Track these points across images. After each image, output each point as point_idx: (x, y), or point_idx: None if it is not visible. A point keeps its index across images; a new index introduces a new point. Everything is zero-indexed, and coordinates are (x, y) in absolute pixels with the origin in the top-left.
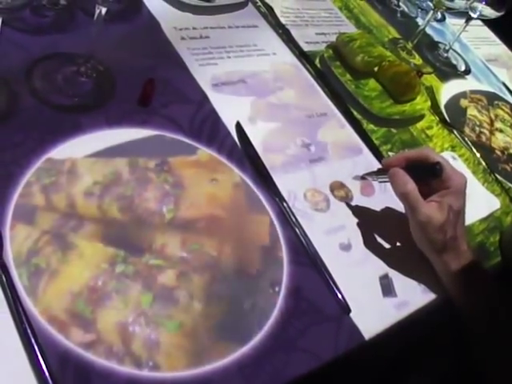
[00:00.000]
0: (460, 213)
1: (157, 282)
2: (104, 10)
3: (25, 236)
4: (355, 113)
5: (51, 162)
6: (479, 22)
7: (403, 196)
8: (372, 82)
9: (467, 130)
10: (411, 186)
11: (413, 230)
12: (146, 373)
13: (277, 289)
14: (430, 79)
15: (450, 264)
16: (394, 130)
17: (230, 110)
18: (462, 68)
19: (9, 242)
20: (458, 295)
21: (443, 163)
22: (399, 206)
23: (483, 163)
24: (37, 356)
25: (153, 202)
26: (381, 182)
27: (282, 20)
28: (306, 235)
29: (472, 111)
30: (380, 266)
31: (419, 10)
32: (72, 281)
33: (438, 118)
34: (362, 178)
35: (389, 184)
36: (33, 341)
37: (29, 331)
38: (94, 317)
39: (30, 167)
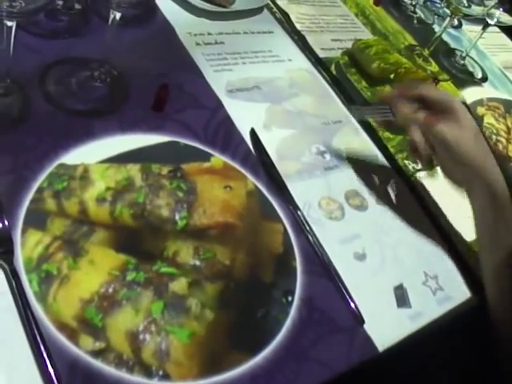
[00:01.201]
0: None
1: (168, 290)
2: (118, 15)
3: (36, 241)
4: (371, 120)
5: (64, 167)
6: (496, 29)
7: (437, 135)
8: (388, 89)
9: None
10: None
11: (445, 160)
12: (155, 382)
13: (290, 298)
14: (447, 86)
15: (492, 185)
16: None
17: (245, 116)
18: (479, 75)
19: (20, 247)
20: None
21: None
22: (415, 215)
23: None
24: (46, 363)
25: (165, 209)
26: (368, 117)
27: (298, 26)
28: (320, 244)
29: (489, 119)
30: (395, 276)
31: (436, 16)
32: (83, 287)
33: None
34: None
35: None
36: (42, 348)
37: (38, 338)
38: (104, 324)
39: (43, 172)
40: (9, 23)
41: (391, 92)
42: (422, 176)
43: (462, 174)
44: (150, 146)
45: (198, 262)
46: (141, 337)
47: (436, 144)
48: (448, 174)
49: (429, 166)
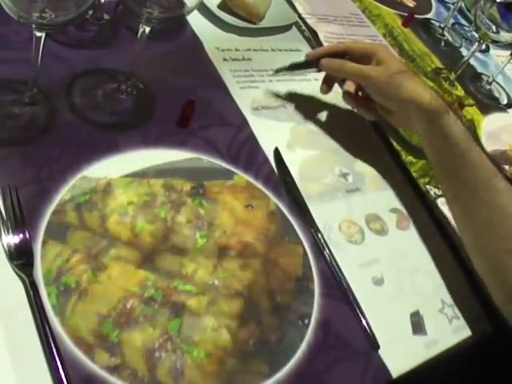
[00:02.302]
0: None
1: (185, 309)
2: (148, 30)
3: (56, 254)
4: (394, 143)
5: (86, 180)
6: None
7: (345, 71)
8: None
9: (507, 165)
10: (347, 63)
11: (374, 91)
12: None
13: (306, 321)
14: (472, 111)
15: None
16: None
17: (269, 135)
18: (505, 101)
19: (39, 259)
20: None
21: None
22: (434, 241)
23: None
24: (61, 377)
25: (186, 226)
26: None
27: (326, 45)
28: (339, 268)
29: None
30: (411, 303)
31: (463, 39)
32: (100, 302)
33: None
34: (276, 72)
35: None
36: (58, 362)
37: (54, 351)
38: (120, 340)
39: (65, 184)
40: (38, 34)
41: (316, 50)
42: (443, 202)
43: (400, 110)
44: (173, 162)
45: (216, 282)
46: (156, 354)
47: (368, 90)
48: (391, 117)
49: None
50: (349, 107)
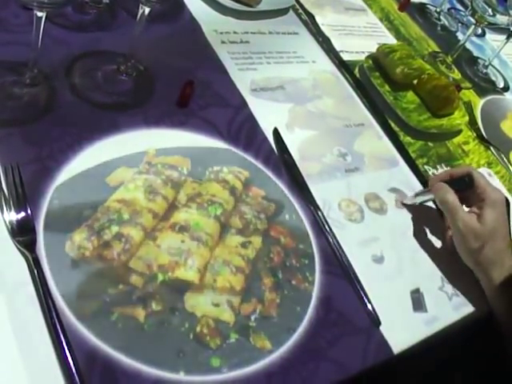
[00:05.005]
0: (499, 226)
1: (188, 285)
2: (147, 11)
3: (58, 231)
4: (393, 124)
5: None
6: None
7: (444, 204)
8: (410, 95)
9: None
10: (451, 195)
11: (455, 241)
12: (173, 375)
13: (307, 298)
14: (468, 94)
15: (493, 278)
16: (430, 144)
17: (268, 115)
18: (501, 84)
19: (42, 236)
20: (502, 312)
21: (477, 177)
22: (432, 220)
23: None
24: (65, 352)
25: (187, 205)
26: (421, 203)
27: (323, 28)
28: (339, 245)
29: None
30: (412, 280)
31: (459, 24)
32: (104, 279)
33: (474, 134)
34: (404, 204)
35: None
36: (61, 337)
37: (58, 327)
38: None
39: (67, 163)
40: (39, 14)
41: (439, 174)
42: None
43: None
44: (174, 141)
45: (218, 258)
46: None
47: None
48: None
49: None
50: (345, 89)
